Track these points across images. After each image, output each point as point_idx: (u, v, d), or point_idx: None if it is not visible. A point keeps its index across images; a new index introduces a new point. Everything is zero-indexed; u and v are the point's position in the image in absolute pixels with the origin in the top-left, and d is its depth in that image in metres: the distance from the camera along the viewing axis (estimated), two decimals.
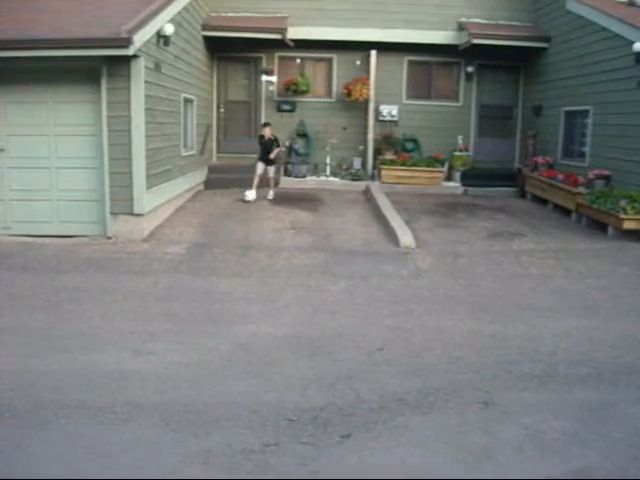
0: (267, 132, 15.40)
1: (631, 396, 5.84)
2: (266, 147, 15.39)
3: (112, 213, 11.62)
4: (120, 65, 11.20)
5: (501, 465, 4.65)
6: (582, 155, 15.41)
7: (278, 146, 15.58)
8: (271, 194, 15.53)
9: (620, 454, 4.80)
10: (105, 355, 6.63)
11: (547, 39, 17.30)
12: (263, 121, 17.69)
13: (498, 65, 19.00)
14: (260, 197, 15.18)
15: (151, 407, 5.49)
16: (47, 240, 11.48)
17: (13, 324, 7.52)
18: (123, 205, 11.57)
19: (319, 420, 5.30)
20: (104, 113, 11.35)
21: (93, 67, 11.24)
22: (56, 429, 5.12)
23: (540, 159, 16.51)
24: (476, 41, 17.13)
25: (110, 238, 11.60)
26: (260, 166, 15.38)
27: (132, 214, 11.61)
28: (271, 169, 15.55)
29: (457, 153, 18.34)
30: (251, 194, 15.09)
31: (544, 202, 15.62)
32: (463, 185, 17.81)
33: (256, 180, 15.23)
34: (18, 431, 5.09)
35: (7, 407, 5.45)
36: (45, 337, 7.13)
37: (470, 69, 18.99)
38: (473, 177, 17.86)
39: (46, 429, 5.13)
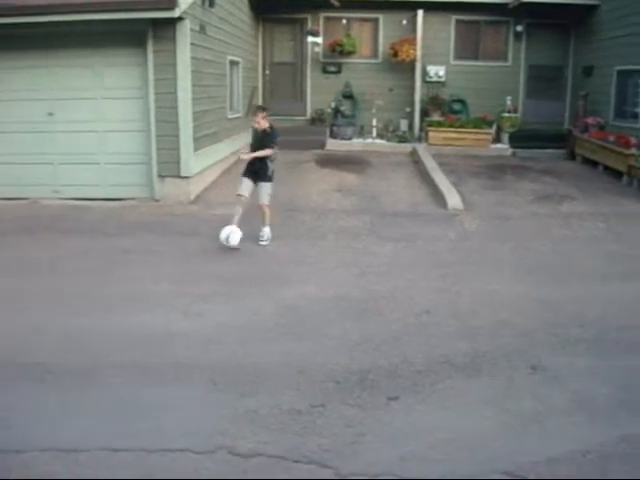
0: (258, 122, 9.27)
1: None
2: (256, 145, 9.39)
3: (159, 176, 11.68)
4: (166, 27, 11.17)
5: (549, 430, 4.63)
6: (635, 116, 15.02)
7: (274, 143, 9.31)
8: (266, 234, 9.39)
9: None
10: (154, 316, 6.73)
11: None
12: (308, 85, 17.43)
13: (548, 24, 18.54)
14: (304, 160, 15.05)
15: (199, 367, 5.57)
16: (95, 203, 11.59)
17: (63, 286, 7.65)
18: (170, 168, 11.62)
19: (366, 382, 5.32)
20: (150, 76, 11.36)
21: (139, 30, 11.22)
22: (106, 388, 5.23)
23: (591, 120, 16.16)
24: None
25: (157, 201, 11.68)
26: (246, 184, 9.33)
27: (179, 177, 11.65)
28: (265, 188, 9.34)
29: (505, 114, 18.03)
30: (233, 236, 9.03)
31: (594, 164, 15.31)
32: (511, 147, 17.54)
33: (239, 211, 9.22)
34: (68, 389, 5.21)
35: (58, 365, 5.57)
36: (95, 298, 7.25)
37: (519, 28, 18.56)
38: (521, 139, 17.55)
39: (96, 388, 5.24)
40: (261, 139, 9.29)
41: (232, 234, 8.98)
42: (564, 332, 6.38)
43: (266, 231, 9.40)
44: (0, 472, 4.15)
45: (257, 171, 9.26)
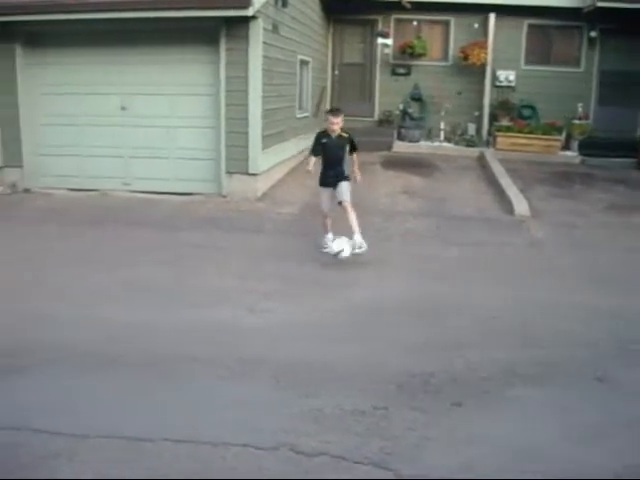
0: (339, 123, 8.66)
1: None
2: (335, 151, 8.80)
3: (227, 172, 11.81)
4: (239, 26, 11.28)
5: (615, 444, 4.53)
6: None
7: (354, 149, 8.96)
8: (358, 241, 8.37)
9: None
10: (221, 311, 6.81)
11: None
12: (377, 87, 17.32)
13: (623, 30, 18.11)
14: (371, 162, 15.03)
15: (264, 364, 5.61)
16: (164, 197, 11.78)
17: (131, 277, 7.80)
18: (238, 164, 11.73)
19: (429, 386, 5.29)
20: (222, 73, 11.50)
21: (212, 28, 11.37)
22: (175, 380, 5.31)
23: None
24: (601, 4, 16.37)
25: (225, 197, 11.80)
26: (326, 196, 8.90)
27: (247, 174, 11.76)
28: (346, 186, 8.72)
29: (576, 121, 17.75)
30: (339, 244, 8.40)
31: None
32: (581, 154, 17.24)
33: (328, 222, 8.99)
34: (135, 380, 5.30)
35: (125, 357, 5.69)
36: (162, 291, 7.38)
37: (593, 34, 18.22)
38: (591, 146, 17.23)
39: (162, 380, 5.32)
40: (341, 145, 8.78)
41: (337, 244, 8.37)
42: (632, 344, 6.25)
43: (358, 238, 8.38)
44: (67, 455, 4.24)
45: (338, 175, 8.75)
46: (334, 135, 8.69)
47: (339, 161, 8.78)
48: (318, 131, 9.07)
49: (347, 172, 8.88)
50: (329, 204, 8.84)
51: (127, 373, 5.42)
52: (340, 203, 8.65)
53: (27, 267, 8.18)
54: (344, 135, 8.77)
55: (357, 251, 8.36)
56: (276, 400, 5.04)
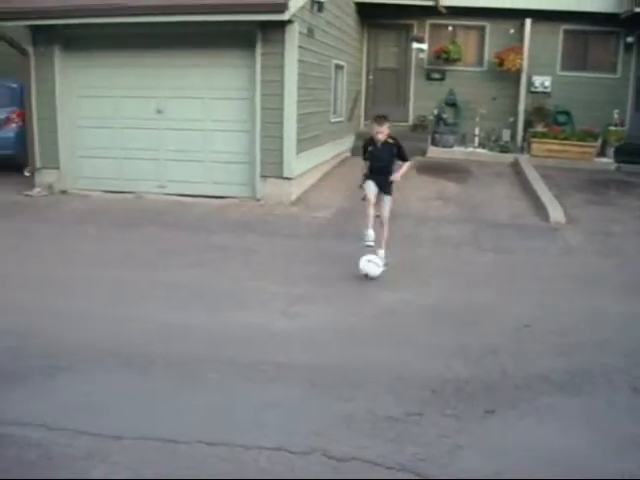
0: (384, 132, 8.32)
1: None
2: (382, 158, 8.46)
3: (262, 176, 11.85)
4: (275, 30, 11.33)
5: None
6: None
7: (405, 157, 8.57)
8: (382, 257, 8.34)
9: None
10: (254, 314, 6.84)
11: None
12: (411, 91, 17.39)
13: None
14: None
15: (297, 367, 5.62)
16: (198, 200, 11.87)
17: (166, 279, 7.86)
18: (273, 168, 11.78)
19: (463, 393, 5.27)
20: (258, 77, 11.55)
21: (248, 32, 11.43)
22: (206, 382, 5.34)
23: None
24: (639, 9, 16.27)
25: (259, 200, 11.85)
26: (373, 187, 8.44)
27: (281, 177, 11.81)
28: (389, 202, 8.57)
29: (612, 128, 17.59)
30: (369, 266, 8.09)
31: None
32: (616, 161, 17.07)
33: (372, 214, 8.35)
34: (169, 381, 5.34)
35: (161, 357, 5.73)
36: (196, 293, 7.43)
37: (630, 39, 18.03)
38: (628, 153, 17.04)
39: (197, 382, 5.35)
40: (388, 152, 8.40)
41: (369, 264, 8.04)
42: None
43: (382, 254, 8.37)
44: (100, 457, 4.28)
45: (384, 181, 8.43)
46: (380, 142, 8.36)
47: (386, 167, 8.47)
48: (365, 138, 8.78)
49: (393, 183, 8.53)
50: (375, 193, 8.37)
51: (162, 374, 5.46)
52: (378, 216, 8.42)
53: (64, 267, 8.28)
54: (390, 141, 8.40)
55: (383, 267, 8.21)
56: (309, 404, 5.05)
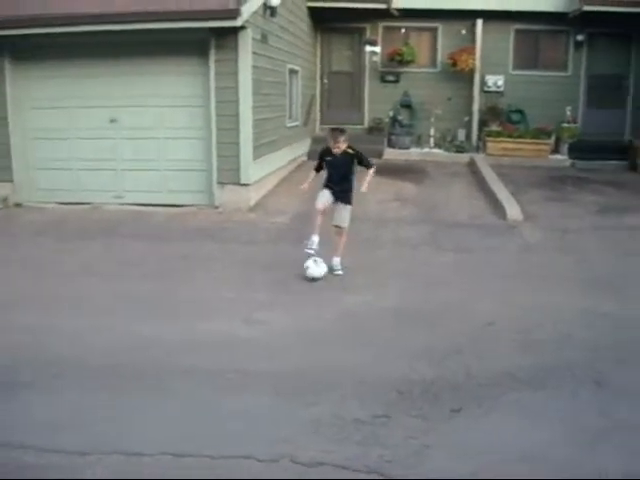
0: (341, 146, 8.23)
1: None
2: (340, 169, 8.39)
3: (219, 183, 11.79)
4: (228, 37, 11.28)
5: (619, 447, 4.52)
6: None
7: (368, 164, 8.61)
8: (335, 264, 8.45)
9: None
10: (216, 322, 6.78)
11: None
12: (366, 94, 17.21)
13: (609, 33, 18.21)
14: (361, 169, 14.93)
15: (262, 374, 5.59)
16: (156, 209, 11.76)
17: (125, 290, 7.77)
18: (230, 175, 11.72)
19: (428, 393, 5.28)
20: (212, 84, 11.49)
21: (201, 39, 11.37)
22: (171, 393, 5.28)
23: None
24: (587, 8, 16.42)
25: (217, 207, 11.79)
26: (326, 197, 8.38)
27: (239, 184, 11.75)
28: (347, 212, 8.47)
29: (565, 125, 17.81)
30: (313, 268, 8.18)
31: None
32: (570, 158, 17.30)
33: (319, 223, 8.40)
34: (133, 393, 5.28)
35: (123, 369, 5.66)
36: (157, 303, 7.35)
37: (580, 38, 18.29)
38: (581, 150, 17.29)
39: (161, 393, 5.29)
40: (348, 161, 8.36)
41: (312, 266, 8.17)
42: (630, 347, 6.26)
43: (337, 261, 8.44)
44: (66, 474, 4.20)
45: (343, 191, 8.39)
46: (339, 152, 8.27)
47: (345, 178, 8.42)
48: (322, 148, 8.66)
49: (353, 190, 8.52)
50: (327, 204, 8.36)
51: (125, 386, 5.38)
52: (337, 226, 8.40)
53: (22, 281, 8.14)
54: (349, 151, 8.32)
55: (336, 273, 8.36)
56: (275, 411, 5.02)
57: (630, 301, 7.59)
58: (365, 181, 8.52)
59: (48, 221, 11.26)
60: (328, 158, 8.41)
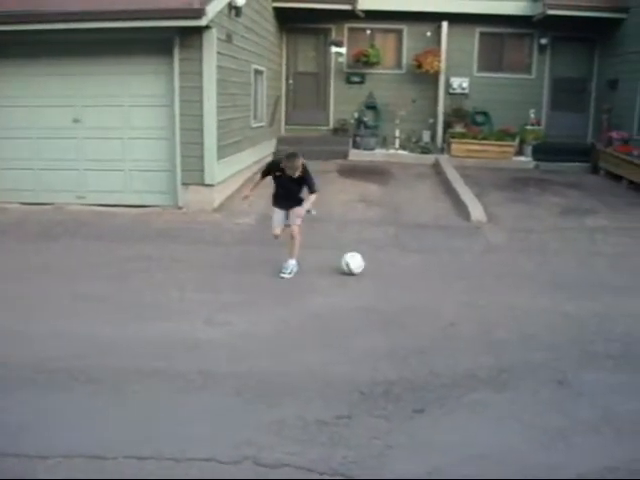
0: (295, 171, 8.09)
1: None
2: (289, 187, 8.33)
3: (183, 183, 11.73)
4: (192, 36, 11.23)
5: (576, 446, 4.58)
6: None
7: (312, 188, 8.31)
8: (290, 267, 8.42)
9: None
10: (178, 324, 6.73)
11: (625, 10, 16.71)
12: (332, 95, 17.24)
13: (573, 37, 18.45)
14: (326, 170, 15.01)
15: (224, 376, 5.56)
16: (119, 210, 11.67)
17: (88, 291, 7.67)
18: (194, 175, 11.67)
19: (391, 394, 5.29)
20: (176, 84, 11.43)
21: (166, 38, 11.29)
22: (132, 396, 5.23)
23: (615, 134, 16.07)
24: (551, 12, 16.62)
25: (181, 208, 11.72)
26: (278, 220, 8.52)
27: (203, 184, 11.70)
28: (298, 213, 8.34)
29: (529, 127, 17.99)
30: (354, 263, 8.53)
31: (618, 178, 15.18)
32: (534, 160, 17.47)
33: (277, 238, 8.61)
34: (93, 397, 5.22)
35: (82, 372, 5.58)
36: (120, 305, 7.28)
37: (544, 41, 18.47)
38: (545, 152, 17.49)
39: (122, 396, 5.23)
40: (296, 182, 8.23)
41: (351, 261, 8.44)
42: (590, 347, 6.33)
43: (292, 263, 8.40)
44: (28, 478, 4.15)
45: (293, 204, 8.36)
46: (293, 176, 8.13)
47: (293, 195, 8.40)
48: (271, 160, 8.55)
49: (303, 200, 8.45)
50: (281, 225, 8.45)
51: (85, 389, 5.32)
52: (289, 226, 8.38)
53: None
54: (303, 175, 8.18)
55: (285, 275, 8.32)
56: (238, 412, 5.00)
57: (588, 301, 7.68)
58: (305, 205, 8.36)
59: (9, 222, 11.11)
60: (278, 174, 8.33)
